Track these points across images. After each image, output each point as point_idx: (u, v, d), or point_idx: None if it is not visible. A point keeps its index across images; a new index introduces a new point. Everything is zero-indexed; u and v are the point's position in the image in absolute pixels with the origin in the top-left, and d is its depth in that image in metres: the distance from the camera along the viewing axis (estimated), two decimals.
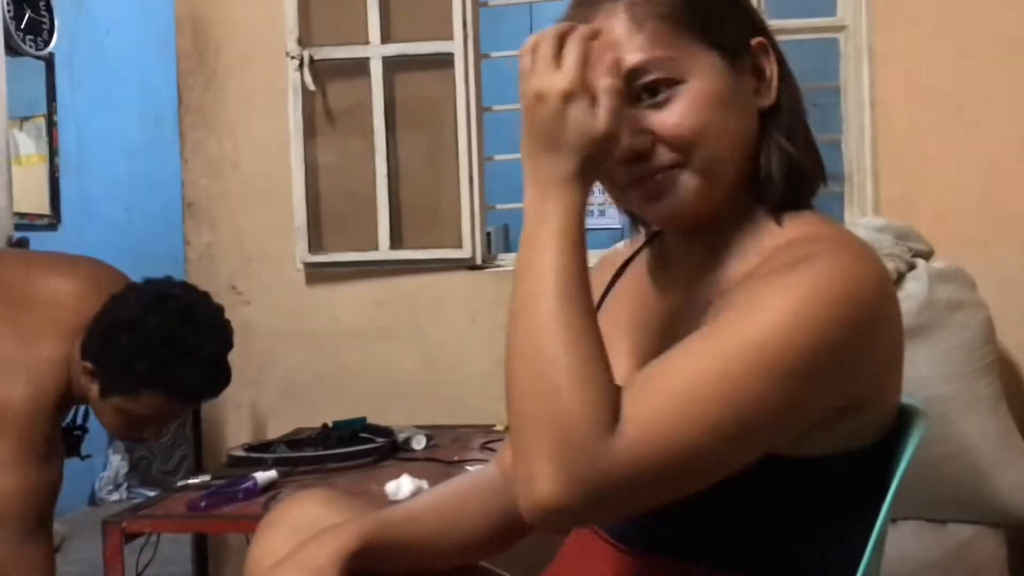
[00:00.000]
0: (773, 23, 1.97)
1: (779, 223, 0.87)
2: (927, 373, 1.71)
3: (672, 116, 0.83)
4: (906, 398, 0.87)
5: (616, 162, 0.83)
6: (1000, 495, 1.72)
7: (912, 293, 1.75)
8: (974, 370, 1.75)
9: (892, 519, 0.88)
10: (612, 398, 0.72)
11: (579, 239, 0.77)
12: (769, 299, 0.75)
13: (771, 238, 0.86)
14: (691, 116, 0.82)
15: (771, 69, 0.87)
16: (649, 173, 0.84)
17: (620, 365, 0.94)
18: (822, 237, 0.82)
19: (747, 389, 0.72)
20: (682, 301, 0.91)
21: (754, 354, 0.72)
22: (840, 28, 2.21)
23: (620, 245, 1.06)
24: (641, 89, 0.83)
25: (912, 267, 1.80)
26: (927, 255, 1.85)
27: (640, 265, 1.00)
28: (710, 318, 0.78)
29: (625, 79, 0.81)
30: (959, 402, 1.71)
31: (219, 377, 1.68)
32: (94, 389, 1.57)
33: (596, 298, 1.02)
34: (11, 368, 1.53)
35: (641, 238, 1.02)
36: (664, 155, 0.83)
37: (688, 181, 0.84)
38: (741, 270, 0.85)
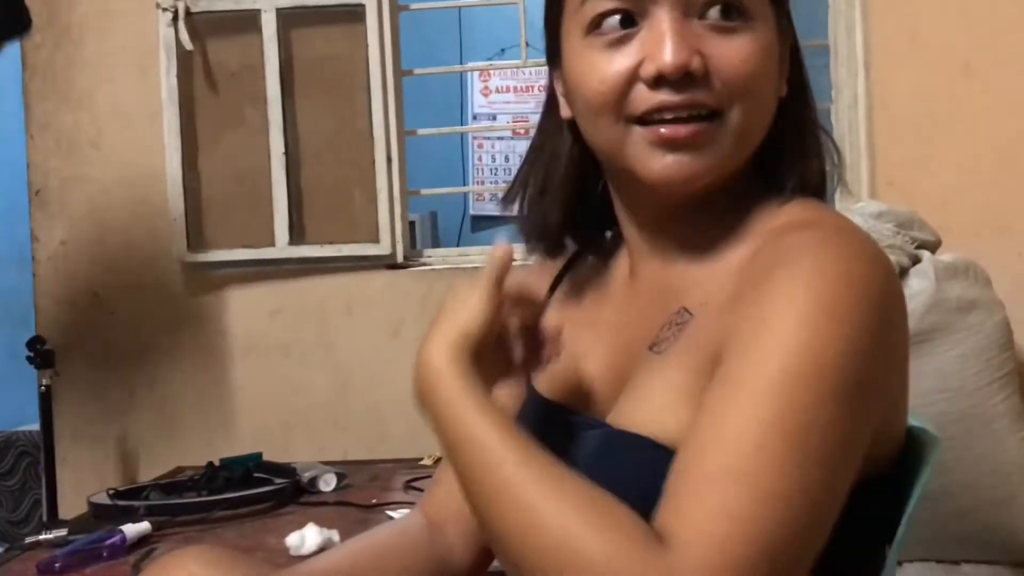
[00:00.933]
0: None
1: (778, 206, 0.90)
2: (935, 386, 1.74)
3: (739, 51, 0.85)
4: (912, 419, 0.89)
5: (648, 80, 0.84)
6: (1021, 530, 1.76)
7: (917, 292, 1.79)
8: (990, 382, 1.78)
9: (897, 562, 0.90)
10: (632, 517, 0.72)
11: (487, 391, 0.83)
12: (776, 327, 0.75)
13: (764, 222, 0.89)
14: (755, 59, 0.85)
15: (787, 57, 0.91)
16: (685, 105, 0.84)
17: (565, 382, 0.97)
18: (817, 223, 0.84)
19: (797, 450, 0.72)
20: (638, 308, 0.94)
21: (787, 411, 0.72)
22: None
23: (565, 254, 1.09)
24: (710, 5, 0.85)
25: (916, 260, 1.83)
26: (933, 246, 1.89)
27: (584, 272, 1.04)
28: (711, 351, 0.80)
29: None
30: (973, 421, 1.75)
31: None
32: None
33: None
34: None
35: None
36: (715, 90, 0.84)
37: (722, 136, 0.86)
38: (731, 260, 0.88)
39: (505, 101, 5.16)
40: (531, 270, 1.09)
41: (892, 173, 2.20)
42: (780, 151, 0.91)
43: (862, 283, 0.77)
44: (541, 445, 0.79)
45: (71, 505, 2.35)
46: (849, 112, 2.26)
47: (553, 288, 1.06)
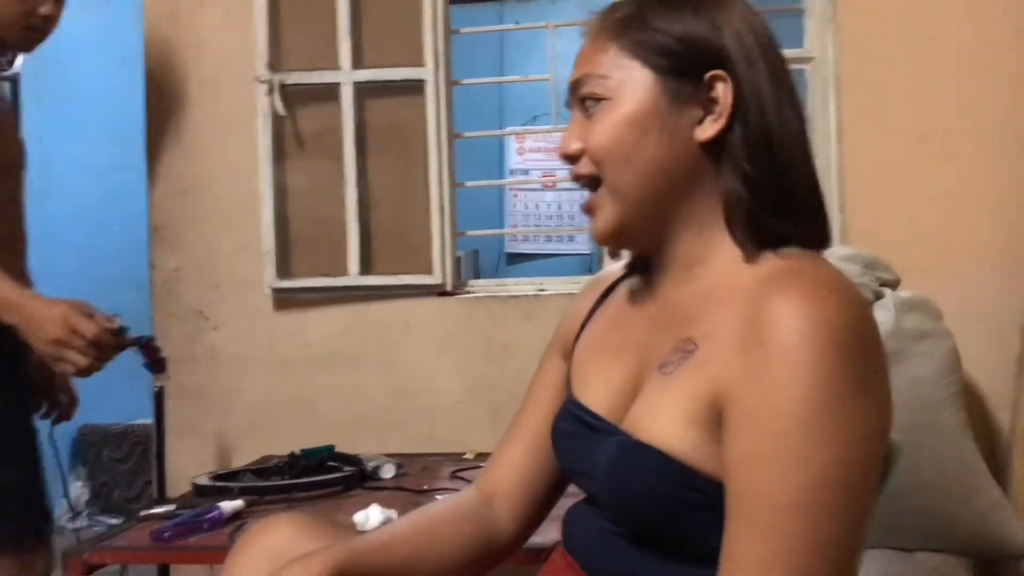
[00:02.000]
0: None
1: (747, 259, 0.87)
2: (894, 401, 1.72)
3: (593, 131, 0.89)
4: None
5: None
6: (966, 524, 1.73)
7: (880, 322, 1.77)
8: (940, 399, 1.77)
9: None
10: None
11: None
12: (783, 407, 0.74)
13: (738, 276, 0.86)
14: (605, 134, 0.87)
15: (724, 101, 0.87)
16: (575, 179, 0.92)
17: (594, 388, 0.96)
18: (789, 273, 0.82)
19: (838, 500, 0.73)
20: (654, 330, 0.93)
21: (811, 490, 0.73)
22: (807, 60, 2.25)
23: (613, 267, 1.09)
24: (581, 100, 0.90)
25: (880, 296, 1.82)
26: (894, 284, 1.88)
27: (624, 290, 1.02)
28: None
29: (570, 88, 0.91)
30: (925, 432, 1.73)
31: None
32: None
33: (579, 319, 1.04)
34: None
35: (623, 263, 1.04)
36: (585, 166, 0.90)
37: (605, 200, 0.90)
38: (709, 312, 0.86)
39: (536, 159, 5.18)
40: (588, 282, 1.10)
41: (860, 222, 2.19)
42: (748, 201, 0.87)
43: (854, 328, 0.76)
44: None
45: (176, 487, 2.35)
46: (824, 172, 2.24)
47: (605, 296, 1.05)
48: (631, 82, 0.87)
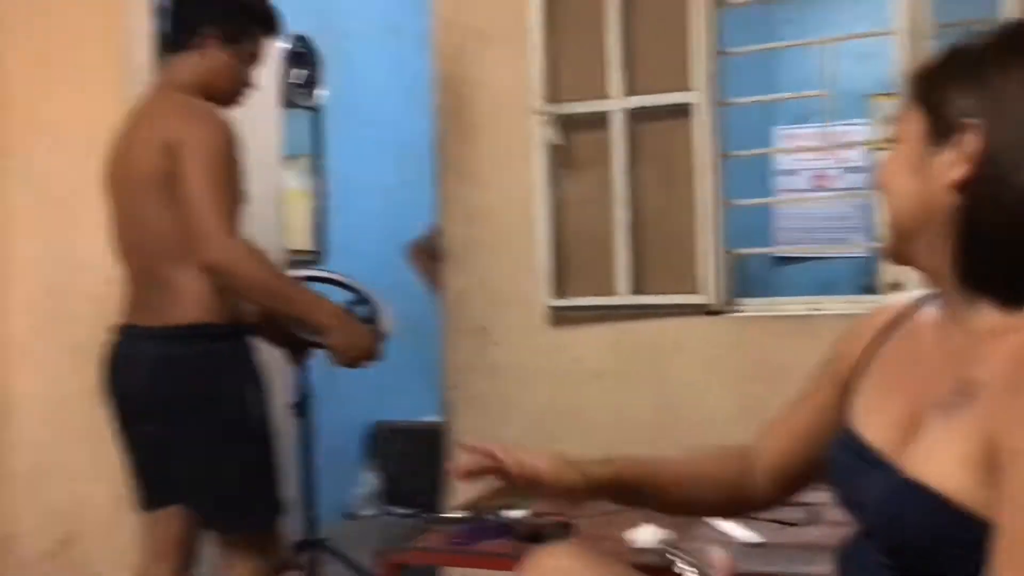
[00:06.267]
0: None
1: (1006, 312, 0.92)
2: None
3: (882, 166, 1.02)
4: None
5: None
6: None
7: None
8: None
9: None
10: None
11: None
12: None
13: (1005, 335, 0.91)
14: (886, 169, 1.00)
15: (968, 148, 0.92)
16: None
17: (874, 421, 1.01)
18: None
19: None
20: (934, 367, 0.97)
21: None
22: None
23: (897, 299, 1.13)
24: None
25: None
26: None
27: (909, 324, 1.07)
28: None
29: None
30: None
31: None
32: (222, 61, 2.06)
33: (859, 350, 1.09)
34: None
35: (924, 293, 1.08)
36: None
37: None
38: (987, 353, 0.91)
39: (806, 159, 5.05)
40: (869, 313, 1.15)
41: None
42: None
43: None
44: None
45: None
46: None
47: (889, 328, 1.09)
48: (912, 123, 0.99)
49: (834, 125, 2.89)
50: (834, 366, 1.15)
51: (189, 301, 1.94)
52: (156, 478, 2.08)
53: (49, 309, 2.89)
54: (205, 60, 2.06)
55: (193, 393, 1.96)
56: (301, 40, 3.92)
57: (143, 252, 2.03)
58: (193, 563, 2.13)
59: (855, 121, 4.23)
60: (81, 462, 2.82)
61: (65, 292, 2.88)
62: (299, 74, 3.95)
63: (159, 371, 1.97)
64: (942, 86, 0.96)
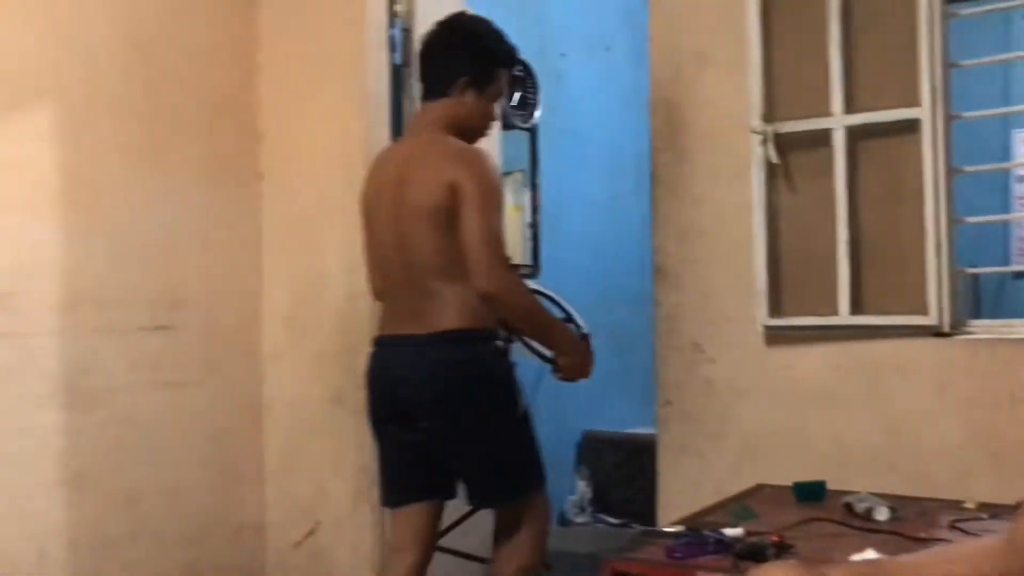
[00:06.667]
0: None
1: None
2: None
3: None
4: None
5: None
6: None
7: None
8: None
9: None
10: None
11: None
12: None
13: None
14: None
15: None
16: None
17: None
18: None
19: None
20: None
21: None
22: None
23: None
24: None
25: None
26: None
27: None
28: None
29: None
30: None
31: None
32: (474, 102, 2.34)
33: None
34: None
35: None
36: None
37: None
38: None
39: None
40: None
41: None
42: None
43: None
44: None
45: (673, 501, 2.63)
46: None
47: None
48: None
49: None
50: None
51: (455, 311, 2.24)
52: (417, 474, 2.34)
53: (296, 320, 3.20)
54: (460, 104, 2.34)
55: (471, 387, 2.26)
56: (520, 64, 4.09)
57: (412, 270, 2.29)
58: (431, 556, 2.39)
59: None
60: (324, 459, 3.10)
61: (310, 305, 3.17)
62: (517, 97, 4.12)
63: (439, 371, 2.25)
64: None
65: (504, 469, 2.32)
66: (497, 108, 2.43)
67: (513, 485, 2.33)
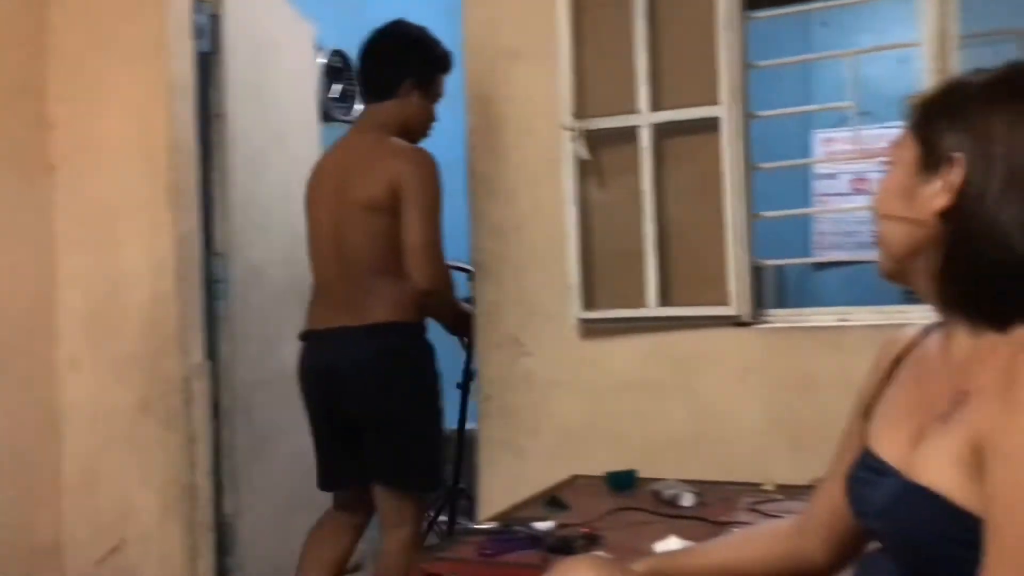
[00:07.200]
0: None
1: (996, 331, 0.97)
2: None
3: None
4: None
5: None
6: None
7: None
8: None
9: None
10: None
11: None
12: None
13: (995, 349, 0.97)
14: (880, 191, 1.07)
15: (952, 181, 0.99)
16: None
17: (886, 437, 1.07)
18: None
19: None
20: (939, 383, 1.03)
21: None
22: None
23: (908, 328, 1.17)
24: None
25: None
26: None
27: (920, 350, 1.12)
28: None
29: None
30: None
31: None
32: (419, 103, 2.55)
33: (876, 381, 1.14)
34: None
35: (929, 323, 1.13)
36: None
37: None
38: (982, 365, 0.97)
39: (844, 162, 5.02)
40: (883, 343, 1.19)
41: None
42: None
43: None
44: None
45: (493, 497, 2.61)
46: None
47: (903, 355, 1.14)
48: (903, 152, 1.06)
49: (875, 127, 2.89)
50: (859, 406, 1.20)
51: (390, 304, 2.40)
52: (349, 460, 2.50)
53: (96, 323, 3.00)
54: (404, 105, 2.52)
55: (405, 377, 2.43)
56: (338, 55, 4.00)
57: (348, 264, 2.42)
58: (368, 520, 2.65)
59: (897, 124, 4.21)
60: (129, 472, 2.92)
61: (111, 307, 2.98)
62: (336, 89, 4.03)
63: (377, 361, 2.39)
64: (935, 119, 1.02)
65: (416, 459, 2.47)
66: (435, 109, 2.60)
67: (419, 475, 2.49)
